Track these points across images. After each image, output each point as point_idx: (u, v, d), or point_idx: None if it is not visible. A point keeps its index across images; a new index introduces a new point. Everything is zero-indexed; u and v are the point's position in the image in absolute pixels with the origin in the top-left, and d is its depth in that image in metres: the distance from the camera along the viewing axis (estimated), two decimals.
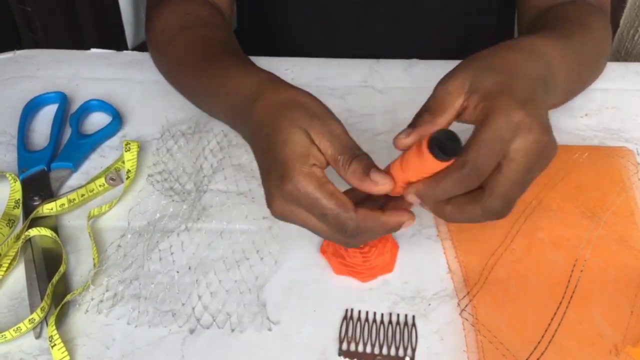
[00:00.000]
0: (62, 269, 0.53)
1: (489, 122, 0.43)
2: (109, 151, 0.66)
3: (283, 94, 0.50)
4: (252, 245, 0.56)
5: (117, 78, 0.74)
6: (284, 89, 0.51)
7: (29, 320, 0.50)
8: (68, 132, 0.67)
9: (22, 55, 0.78)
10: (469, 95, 0.46)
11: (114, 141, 0.67)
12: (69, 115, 0.68)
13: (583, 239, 0.55)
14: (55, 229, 0.57)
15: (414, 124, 0.46)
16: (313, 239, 0.57)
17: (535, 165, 0.44)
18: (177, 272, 0.54)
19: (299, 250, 0.56)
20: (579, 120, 0.67)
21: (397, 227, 0.47)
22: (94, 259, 0.55)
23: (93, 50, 0.78)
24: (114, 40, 0.97)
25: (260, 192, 0.60)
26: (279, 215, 0.47)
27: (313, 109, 0.48)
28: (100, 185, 0.61)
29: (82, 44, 1.33)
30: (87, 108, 0.69)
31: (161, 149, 0.65)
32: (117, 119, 0.67)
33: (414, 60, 0.75)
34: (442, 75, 0.49)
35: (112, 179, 0.61)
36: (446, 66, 0.75)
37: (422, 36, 0.80)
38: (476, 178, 0.42)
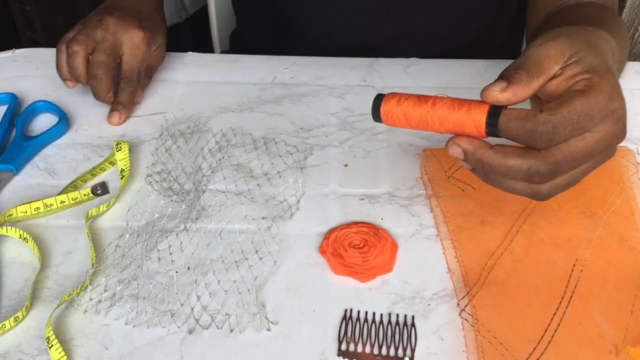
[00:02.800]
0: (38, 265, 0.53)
1: (589, 95, 0.41)
2: (101, 152, 0.65)
3: None
4: (251, 246, 0.56)
5: None
6: None
7: (14, 318, 0.50)
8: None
9: (21, 55, 0.78)
10: (567, 65, 0.44)
11: (105, 141, 0.66)
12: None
13: (583, 239, 0.55)
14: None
15: (508, 79, 0.42)
16: (312, 239, 0.57)
17: (599, 155, 0.43)
18: (176, 272, 0.54)
19: (298, 250, 0.56)
20: None
21: None
22: (92, 259, 0.54)
23: None
24: None
25: (259, 192, 0.61)
26: None
27: None
28: (85, 195, 0.60)
29: None
30: (34, 110, 0.69)
31: (160, 149, 0.65)
32: (64, 121, 0.67)
33: (413, 59, 0.75)
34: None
35: (97, 190, 0.60)
36: (445, 65, 0.76)
37: (439, 31, 0.80)
38: (546, 139, 0.40)
